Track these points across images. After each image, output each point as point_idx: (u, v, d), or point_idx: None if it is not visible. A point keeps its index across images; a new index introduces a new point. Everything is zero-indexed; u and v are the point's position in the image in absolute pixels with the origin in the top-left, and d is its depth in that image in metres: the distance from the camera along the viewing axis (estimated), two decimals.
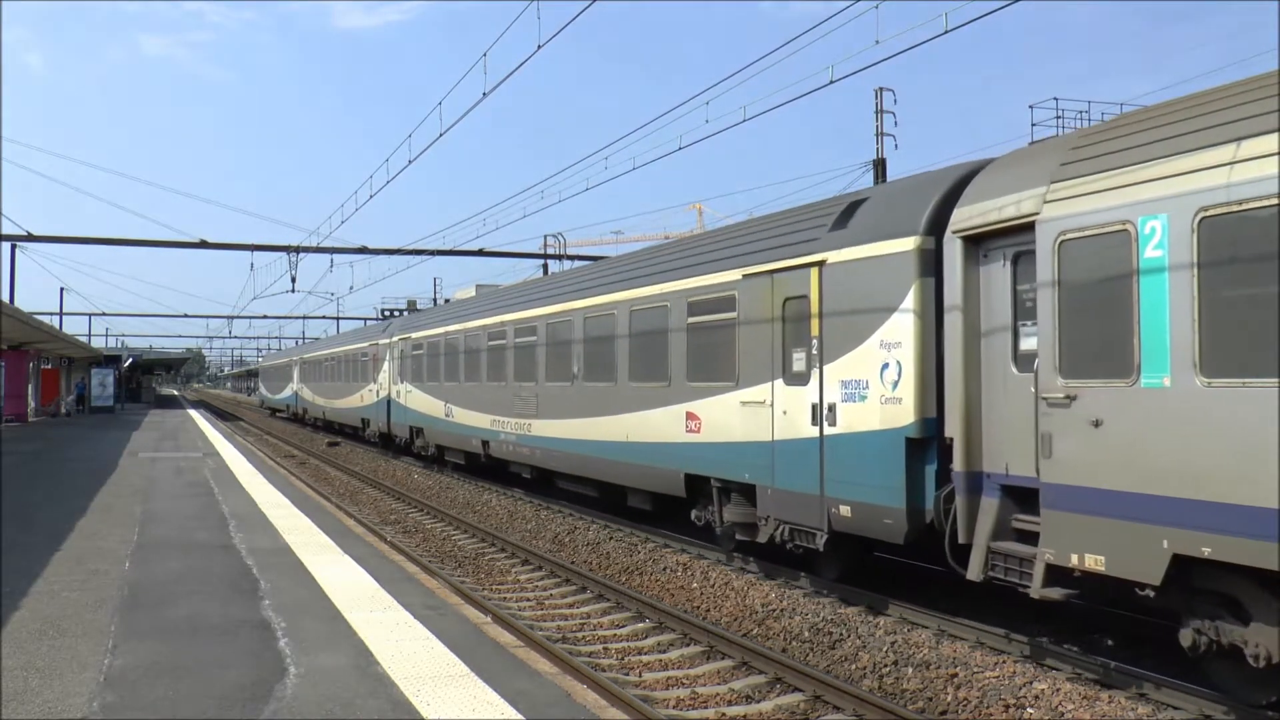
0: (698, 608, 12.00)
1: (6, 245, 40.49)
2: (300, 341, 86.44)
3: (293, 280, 34.56)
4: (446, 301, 37.63)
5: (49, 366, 52.47)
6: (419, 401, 28.14)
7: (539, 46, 13.16)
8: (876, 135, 30.77)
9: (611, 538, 16.19)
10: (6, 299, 34.38)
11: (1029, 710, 8.03)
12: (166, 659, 6.94)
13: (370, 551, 11.88)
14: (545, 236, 42.47)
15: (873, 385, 10.27)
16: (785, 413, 11.58)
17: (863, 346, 10.43)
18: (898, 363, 10.00)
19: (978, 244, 9.20)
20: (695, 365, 13.68)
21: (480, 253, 34.50)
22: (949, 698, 8.48)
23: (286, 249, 33.42)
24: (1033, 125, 24.22)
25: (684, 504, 14.37)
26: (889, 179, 26.54)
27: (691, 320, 13.78)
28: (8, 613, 8.22)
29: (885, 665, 9.33)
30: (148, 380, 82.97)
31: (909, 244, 9.99)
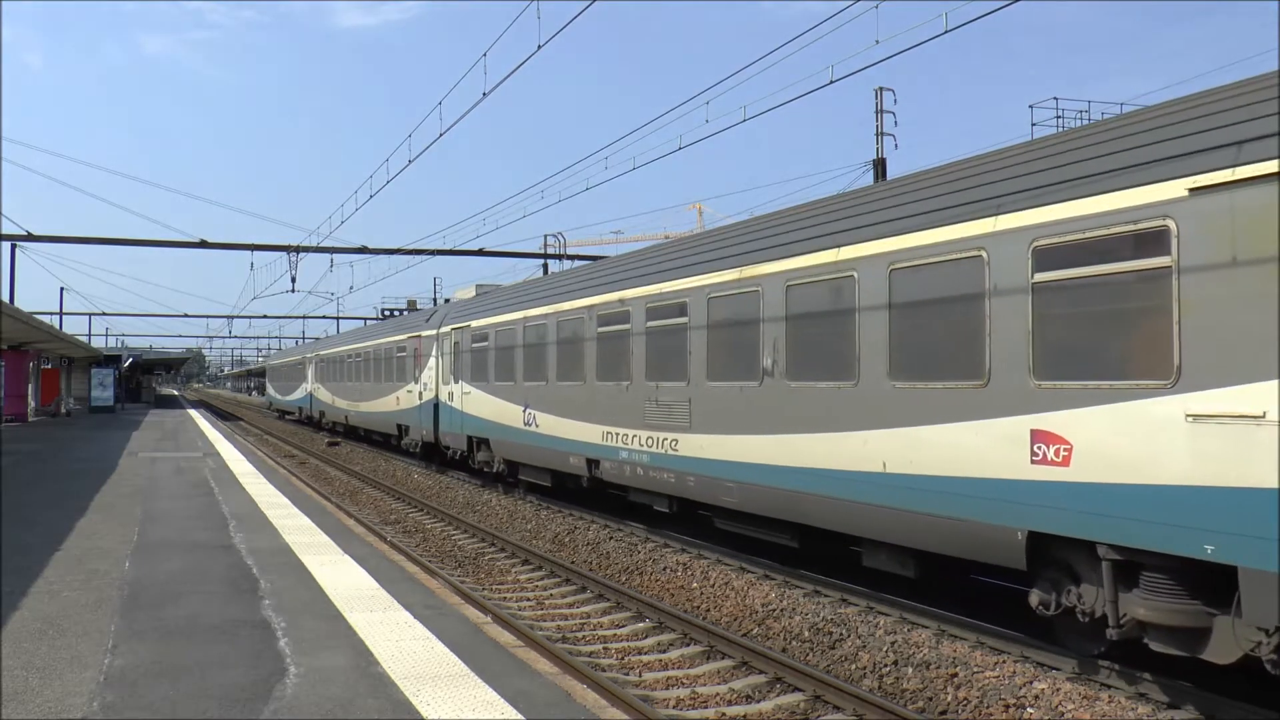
0: (698, 607, 12.00)
1: (6, 245, 40.57)
2: (302, 340, 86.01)
3: (293, 280, 34.56)
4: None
5: (49, 366, 52.48)
6: (483, 405, 22.45)
7: (539, 46, 13.16)
8: (876, 135, 30.83)
9: (611, 537, 16.18)
10: (6, 299, 34.37)
11: (1029, 710, 8.03)
12: (166, 659, 6.94)
13: (370, 551, 11.89)
14: (545, 236, 42.55)
15: None
16: None
17: None
18: None
19: None
20: (1051, 352, 8.47)
21: (480, 252, 34.49)
22: (949, 697, 8.49)
23: (286, 249, 33.43)
24: (1033, 125, 24.31)
25: (962, 568, 10.33)
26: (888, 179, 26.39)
27: (1042, 278, 8.52)
28: (8, 613, 8.22)
29: (885, 665, 9.33)
30: (148, 380, 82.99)
31: None
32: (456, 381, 24.49)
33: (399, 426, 30.67)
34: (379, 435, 35.66)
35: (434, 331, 26.95)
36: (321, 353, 47.44)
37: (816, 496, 11.14)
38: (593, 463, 16.81)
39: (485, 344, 22.56)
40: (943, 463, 9.48)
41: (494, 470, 22.62)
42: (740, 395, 12.66)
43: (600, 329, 16.60)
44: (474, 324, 23.55)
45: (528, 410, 19.65)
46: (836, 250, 11.06)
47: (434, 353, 26.70)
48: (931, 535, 9.66)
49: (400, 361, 30.41)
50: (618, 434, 15.85)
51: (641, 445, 15.06)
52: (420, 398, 27.85)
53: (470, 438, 23.64)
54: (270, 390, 73.96)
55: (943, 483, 9.45)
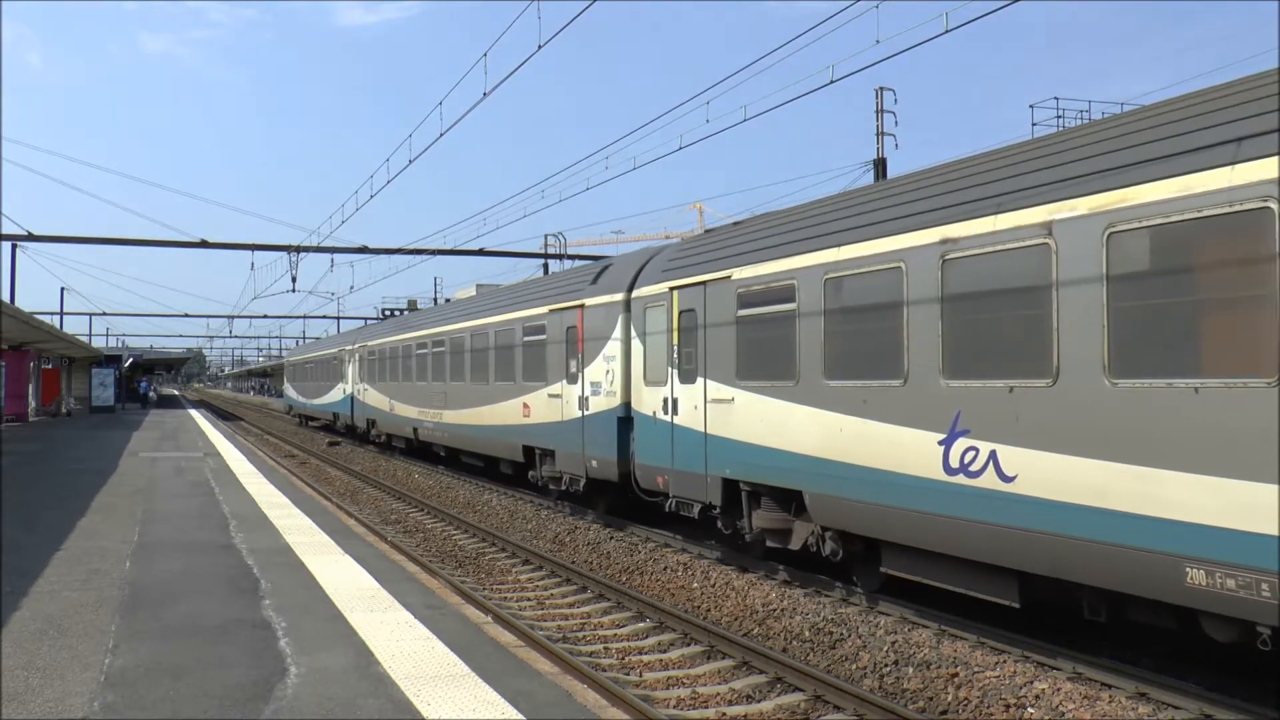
0: (698, 607, 12.00)
1: (6, 245, 40.60)
2: (302, 340, 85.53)
3: (293, 280, 34.53)
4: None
5: (49, 366, 52.50)
6: (776, 425, 11.85)
7: (539, 46, 13.16)
8: (877, 135, 30.84)
9: (612, 538, 16.19)
10: (6, 299, 34.39)
11: (1029, 710, 8.04)
12: (167, 659, 6.94)
13: (371, 551, 11.89)
14: (546, 236, 42.53)
15: None
16: None
17: None
18: None
19: None
20: None
21: (480, 252, 34.48)
22: (949, 697, 8.49)
23: (287, 249, 33.43)
24: (1033, 125, 24.34)
25: None
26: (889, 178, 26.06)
27: None
28: (8, 613, 8.23)
29: (886, 665, 9.33)
30: (148, 380, 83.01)
31: None
32: (685, 381, 14.00)
33: (529, 450, 20.02)
34: (471, 458, 25.43)
35: (613, 298, 16.58)
36: (371, 343, 35.38)
37: None
38: None
39: (779, 309, 11.89)
40: None
41: (806, 549, 11.78)
42: None
43: None
44: (740, 274, 12.73)
45: (963, 440, 9.06)
46: None
47: (616, 333, 16.41)
48: None
49: (533, 349, 19.79)
50: None
51: None
52: (585, 406, 17.34)
53: (736, 484, 12.77)
54: (290, 392, 59.53)
55: None
